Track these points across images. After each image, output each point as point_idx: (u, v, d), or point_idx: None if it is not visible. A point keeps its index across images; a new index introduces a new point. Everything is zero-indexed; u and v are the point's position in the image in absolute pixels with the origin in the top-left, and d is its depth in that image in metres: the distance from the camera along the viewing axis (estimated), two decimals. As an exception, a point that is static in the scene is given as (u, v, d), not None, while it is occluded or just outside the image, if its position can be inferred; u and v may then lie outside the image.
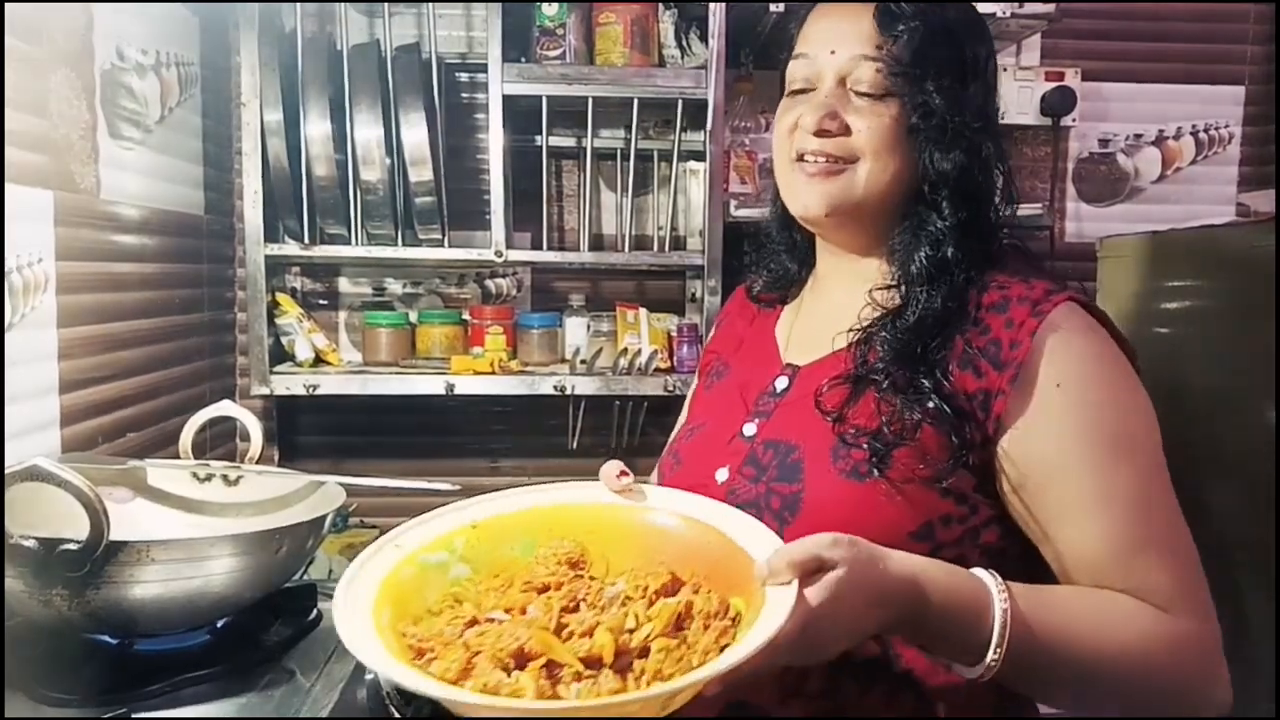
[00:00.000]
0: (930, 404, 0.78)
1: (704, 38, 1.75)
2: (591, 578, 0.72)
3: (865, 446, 0.79)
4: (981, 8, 1.69)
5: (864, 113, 0.83)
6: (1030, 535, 0.80)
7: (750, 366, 0.96)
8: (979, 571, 0.72)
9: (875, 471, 0.77)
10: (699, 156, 1.83)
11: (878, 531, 0.72)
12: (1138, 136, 2.07)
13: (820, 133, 0.84)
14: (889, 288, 0.85)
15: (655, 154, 1.94)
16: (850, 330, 0.86)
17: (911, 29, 0.82)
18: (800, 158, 0.86)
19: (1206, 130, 2.07)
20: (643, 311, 1.86)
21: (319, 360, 1.80)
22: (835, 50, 0.84)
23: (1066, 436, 0.76)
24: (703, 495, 0.80)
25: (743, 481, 0.85)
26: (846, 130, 0.83)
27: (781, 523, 0.79)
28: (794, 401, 0.88)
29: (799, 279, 1.01)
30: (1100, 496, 0.75)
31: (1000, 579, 0.72)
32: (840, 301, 0.89)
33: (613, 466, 0.81)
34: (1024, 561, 0.80)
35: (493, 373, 1.74)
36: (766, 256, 1.03)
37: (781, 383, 0.91)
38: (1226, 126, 2.07)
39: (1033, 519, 0.78)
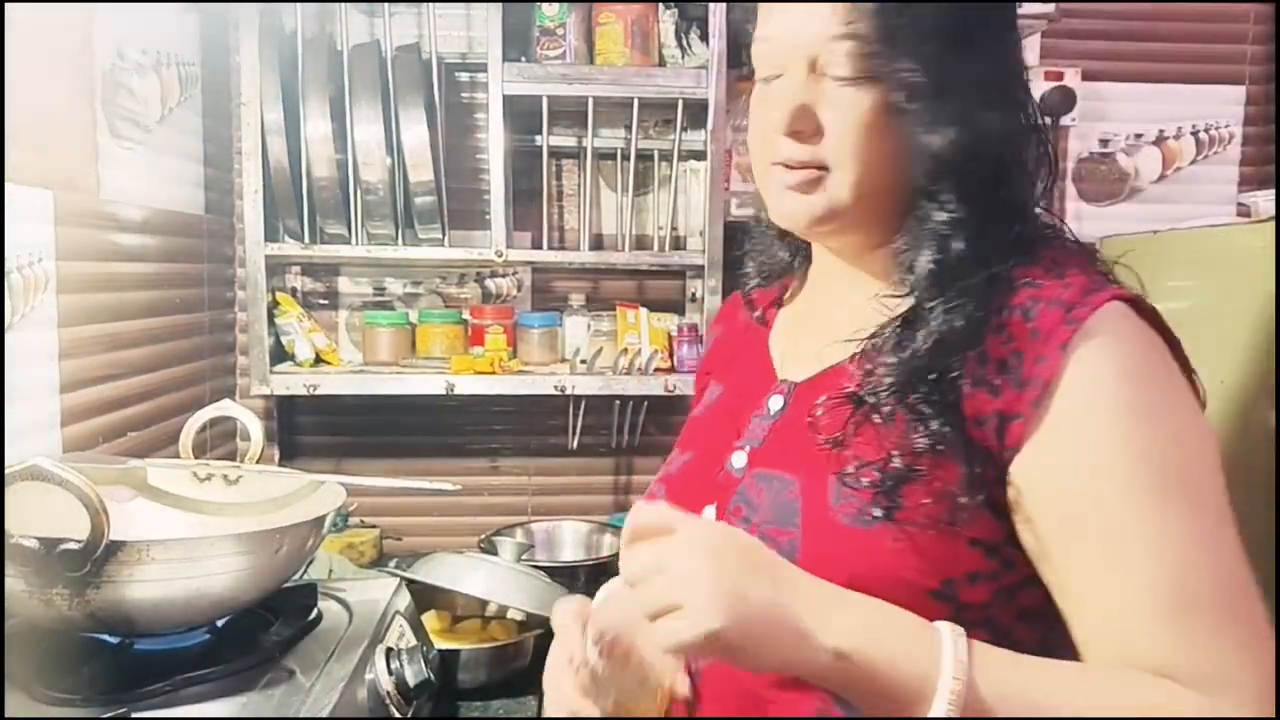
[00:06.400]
0: (938, 426, 0.65)
1: (704, 37, 1.75)
2: None
3: (868, 483, 0.66)
4: (982, 8, 1.70)
5: (840, 103, 0.70)
6: (1050, 589, 0.66)
7: (742, 385, 0.84)
8: (939, 624, 0.61)
9: (882, 514, 0.65)
10: (699, 156, 1.83)
11: (889, 589, 0.63)
12: (1138, 136, 2.07)
13: (793, 134, 0.72)
14: (897, 296, 0.72)
15: (655, 154, 1.94)
16: (852, 339, 0.73)
17: None
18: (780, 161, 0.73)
19: (1206, 130, 2.07)
20: (643, 311, 1.86)
21: (319, 360, 1.80)
22: (799, 30, 0.71)
23: (1102, 470, 0.62)
24: None
25: (733, 521, 0.73)
26: (819, 131, 0.71)
27: None
28: (789, 425, 0.76)
29: (792, 270, 0.89)
30: (1143, 544, 0.61)
31: (960, 630, 0.60)
32: (842, 304, 0.78)
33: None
34: None
35: (493, 372, 1.74)
36: (758, 245, 0.91)
37: (776, 402, 0.78)
38: (1226, 126, 2.07)
39: (1051, 569, 0.65)
